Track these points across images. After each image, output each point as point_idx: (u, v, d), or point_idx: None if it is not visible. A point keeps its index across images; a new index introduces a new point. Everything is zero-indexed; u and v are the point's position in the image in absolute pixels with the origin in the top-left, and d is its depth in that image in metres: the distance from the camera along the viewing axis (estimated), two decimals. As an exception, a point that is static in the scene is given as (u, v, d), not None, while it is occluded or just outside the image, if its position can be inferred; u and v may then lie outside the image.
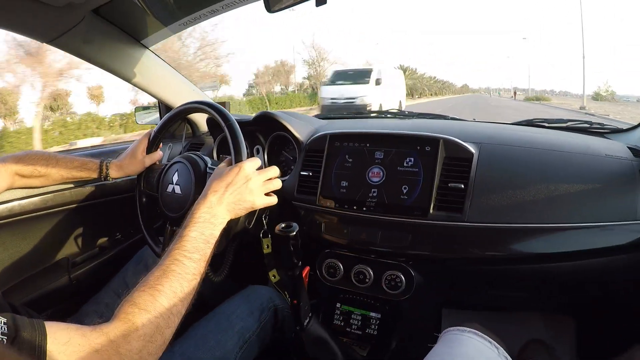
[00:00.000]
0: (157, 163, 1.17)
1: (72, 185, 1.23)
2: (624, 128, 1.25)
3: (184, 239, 0.72)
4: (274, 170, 0.89)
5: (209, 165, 1.04)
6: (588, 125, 1.29)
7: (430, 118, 1.54)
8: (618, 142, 1.13)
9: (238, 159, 0.89)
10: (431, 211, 0.98)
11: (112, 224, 1.44)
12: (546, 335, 1.27)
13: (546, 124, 1.33)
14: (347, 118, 1.64)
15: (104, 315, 1.05)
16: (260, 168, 0.89)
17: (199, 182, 1.00)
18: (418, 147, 1.03)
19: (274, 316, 1.03)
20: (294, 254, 0.85)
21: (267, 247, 1.08)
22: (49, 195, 1.19)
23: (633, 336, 1.05)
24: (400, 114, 1.59)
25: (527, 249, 0.95)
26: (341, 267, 1.13)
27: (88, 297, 1.14)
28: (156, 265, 0.68)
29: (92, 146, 1.66)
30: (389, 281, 1.07)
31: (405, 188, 1.02)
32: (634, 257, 0.93)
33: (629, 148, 1.05)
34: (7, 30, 1.12)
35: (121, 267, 1.20)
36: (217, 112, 0.98)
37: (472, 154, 1.00)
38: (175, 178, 1.05)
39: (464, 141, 1.02)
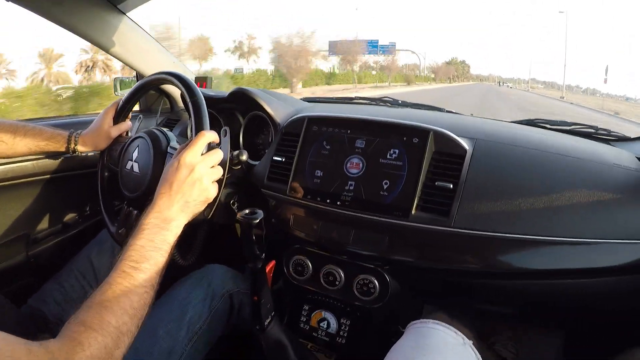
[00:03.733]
0: (125, 134, 1.09)
1: (36, 157, 1.14)
2: (632, 137, 1.16)
3: (131, 248, 0.65)
4: (217, 154, 0.78)
5: (171, 143, 0.94)
6: (593, 131, 1.18)
7: (424, 109, 1.43)
8: (626, 151, 1.03)
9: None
10: (413, 212, 0.86)
11: (79, 200, 1.35)
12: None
13: (548, 126, 1.22)
14: (335, 102, 1.52)
15: (68, 296, 1.01)
16: (224, 156, 0.80)
17: (158, 161, 0.91)
18: (404, 138, 0.92)
19: (228, 303, 0.95)
20: (257, 244, 0.76)
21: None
22: (9, 166, 1.10)
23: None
24: (392, 103, 1.47)
25: (520, 263, 0.85)
26: (310, 265, 1.02)
27: (50, 274, 1.07)
28: (104, 280, 0.62)
29: (64, 115, 1.55)
30: (361, 286, 0.96)
31: (386, 183, 0.90)
32: (636, 279, 0.83)
33: (637, 158, 0.95)
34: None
35: (85, 245, 1.13)
36: (183, 85, 0.87)
37: (465, 150, 0.89)
38: (135, 155, 0.96)
39: (457, 135, 0.91)
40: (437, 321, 0.74)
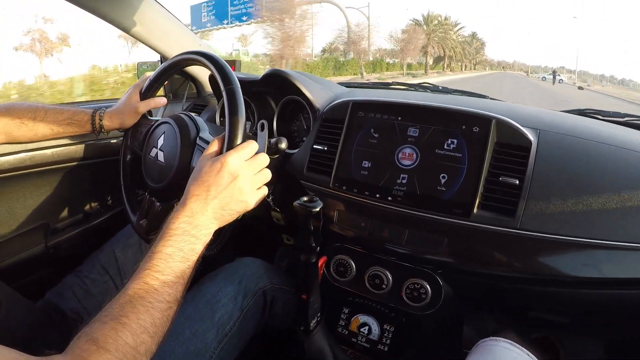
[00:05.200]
0: (150, 115, 1.04)
1: (56, 145, 1.09)
2: None
3: (156, 255, 0.59)
4: (263, 159, 0.71)
5: (201, 134, 0.86)
6: None
7: (467, 95, 1.32)
8: None
9: (230, 144, 0.70)
10: (475, 210, 0.77)
11: (101, 189, 1.30)
12: None
13: (600, 117, 1.11)
14: (373, 87, 1.42)
15: (89, 291, 0.97)
16: (259, 150, 0.72)
17: (185, 152, 0.84)
18: (463, 127, 0.82)
19: (261, 302, 0.88)
20: (314, 235, 0.71)
21: (278, 220, 0.98)
22: (29, 154, 1.06)
23: None
24: (434, 89, 1.37)
25: (590, 271, 0.75)
26: (353, 266, 0.93)
27: (70, 267, 1.02)
28: (122, 289, 0.56)
29: (84, 101, 1.50)
30: (411, 291, 0.87)
31: (443, 177, 0.80)
32: None
33: None
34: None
35: (109, 237, 1.07)
36: (217, 68, 0.77)
37: (530, 141, 0.79)
38: (160, 142, 0.89)
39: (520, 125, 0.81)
40: (510, 341, 0.67)
